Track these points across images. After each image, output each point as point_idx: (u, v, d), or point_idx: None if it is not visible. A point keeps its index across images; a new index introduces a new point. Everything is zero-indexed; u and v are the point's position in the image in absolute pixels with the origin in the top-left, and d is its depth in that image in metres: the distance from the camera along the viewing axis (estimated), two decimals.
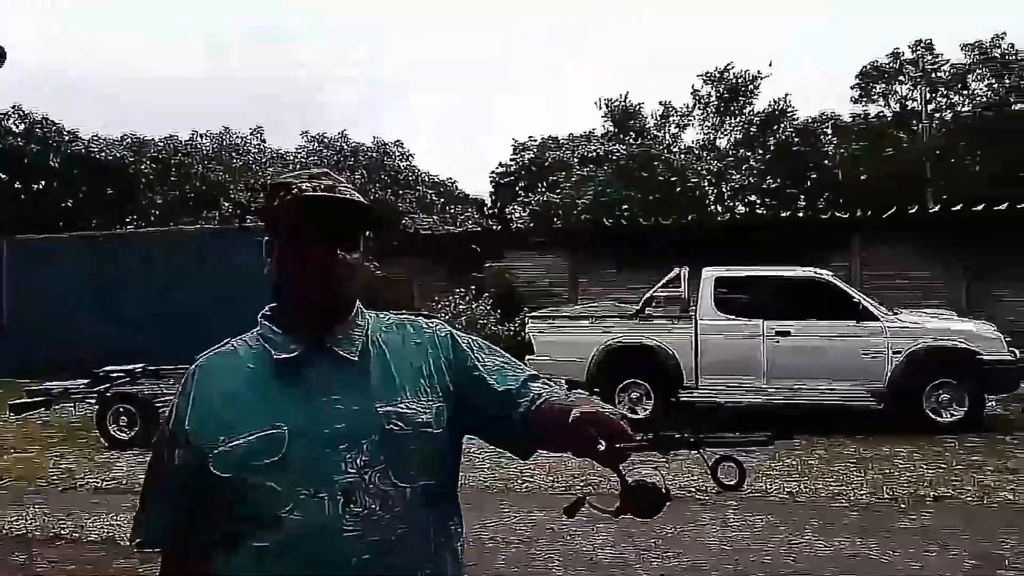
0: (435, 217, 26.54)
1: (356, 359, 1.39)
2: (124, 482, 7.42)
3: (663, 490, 1.22)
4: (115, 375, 9.95)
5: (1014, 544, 5.09)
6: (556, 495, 6.55)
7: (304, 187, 1.39)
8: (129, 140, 27.26)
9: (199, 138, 30.16)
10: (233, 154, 30.14)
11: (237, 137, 31.20)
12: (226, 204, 25.61)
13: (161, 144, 27.73)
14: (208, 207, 25.38)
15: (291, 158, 29.75)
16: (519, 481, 7.05)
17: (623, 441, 1.24)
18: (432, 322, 1.54)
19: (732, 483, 6.48)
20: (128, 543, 1.53)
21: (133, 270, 15.06)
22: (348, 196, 1.41)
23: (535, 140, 30.63)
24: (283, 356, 1.38)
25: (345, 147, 30.79)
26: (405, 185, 30.24)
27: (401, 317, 1.55)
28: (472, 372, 1.47)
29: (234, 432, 1.33)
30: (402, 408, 1.37)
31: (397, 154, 31.68)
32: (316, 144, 31.24)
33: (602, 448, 1.22)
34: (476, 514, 5.86)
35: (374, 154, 30.75)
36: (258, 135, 31.67)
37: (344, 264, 1.38)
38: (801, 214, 18.12)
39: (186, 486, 1.36)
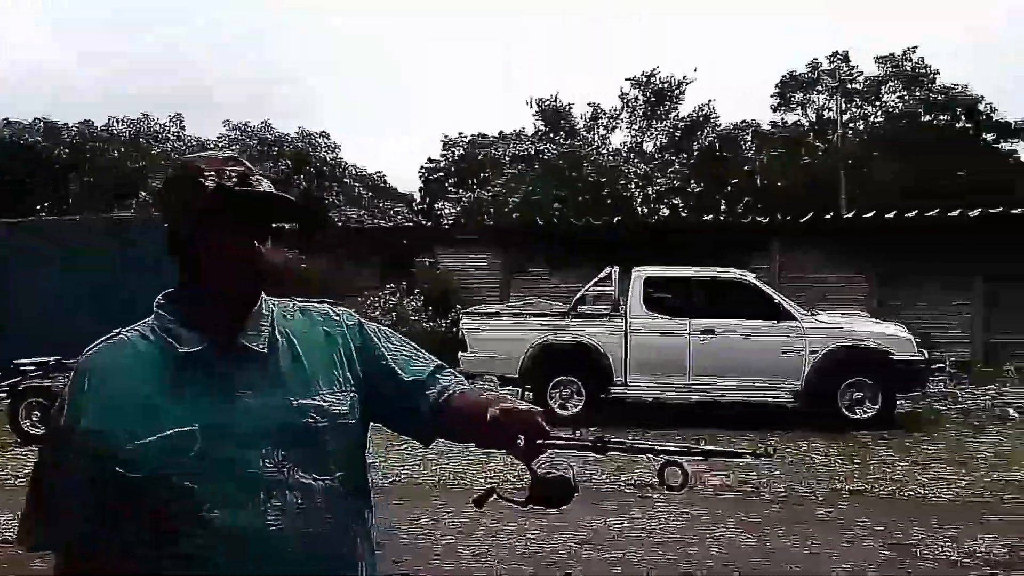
0: (363, 211, 26.22)
1: (265, 351, 1.34)
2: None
3: (572, 482, 1.29)
4: (26, 368, 9.51)
5: (924, 535, 5.38)
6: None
7: (227, 176, 1.31)
8: (41, 125, 26.00)
9: (116, 124, 29.00)
10: (151, 141, 29.08)
11: (156, 124, 30.12)
12: (143, 193, 24.69)
13: (76, 130, 26.55)
14: (126, 195, 24.43)
15: (212, 147, 28.89)
16: (452, 477, 7.06)
17: (539, 437, 1.29)
18: (338, 310, 1.50)
19: (676, 485, 6.63)
20: (16, 542, 1.41)
21: (44, 258, 14.37)
22: (271, 190, 1.36)
23: (465, 137, 30.60)
24: (190, 350, 1.30)
25: (269, 137, 30.08)
26: (331, 178, 29.75)
27: (306, 304, 1.49)
28: (381, 361, 1.46)
29: (141, 432, 1.25)
30: (318, 400, 1.35)
31: (323, 145, 31.12)
32: (238, 133, 30.41)
33: (521, 444, 1.28)
34: (407, 509, 5.86)
35: (299, 145, 30.14)
36: (178, 122, 30.66)
37: (264, 257, 1.32)
38: (723, 218, 18.67)
39: (92, 486, 1.28)
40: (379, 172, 32.73)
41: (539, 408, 1.35)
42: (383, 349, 1.47)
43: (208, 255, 1.30)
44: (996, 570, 4.76)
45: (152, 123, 30.11)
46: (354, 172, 31.34)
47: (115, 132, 28.44)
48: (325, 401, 1.35)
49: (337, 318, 1.47)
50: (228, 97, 48.77)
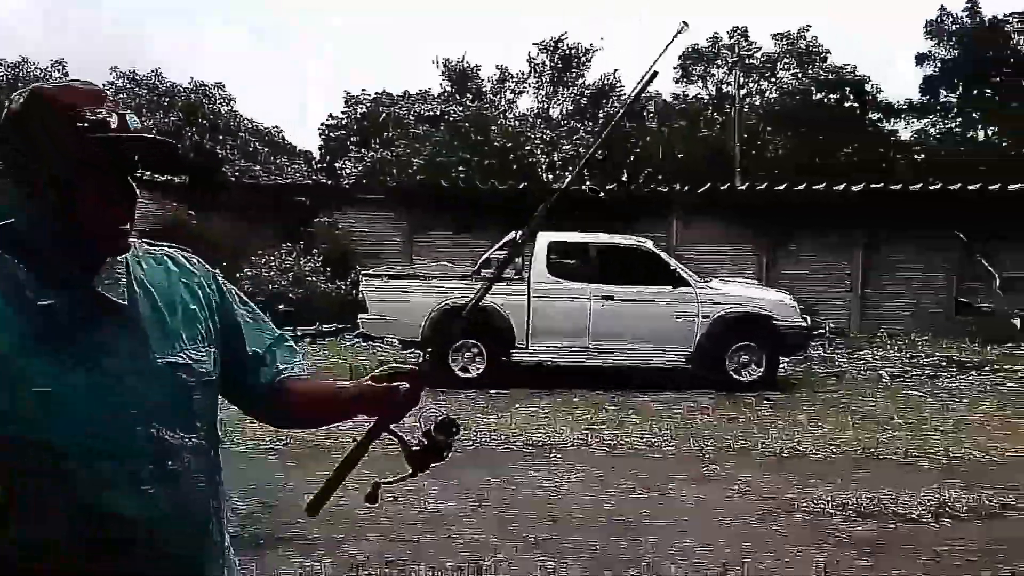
0: (259, 167, 25.32)
1: (125, 302, 1.25)
2: None
3: (445, 447, 1.37)
4: None
5: (802, 489, 5.72)
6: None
7: (103, 116, 1.19)
8: None
9: None
10: None
11: (36, 69, 28.08)
12: None
13: None
14: None
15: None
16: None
17: (399, 415, 1.37)
18: (194, 259, 1.42)
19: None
20: None
21: None
22: (148, 133, 1.27)
23: (368, 95, 29.90)
24: (46, 302, 1.19)
25: (160, 86, 28.56)
26: (225, 131, 28.55)
27: (160, 250, 1.39)
28: (234, 318, 1.43)
29: None
30: (183, 358, 1.29)
31: (217, 97, 29.77)
32: (126, 81, 28.73)
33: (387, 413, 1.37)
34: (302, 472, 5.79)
35: (192, 96, 28.74)
36: (60, 68, 28.67)
37: (135, 204, 1.25)
38: (626, 187, 19.00)
39: None
40: (276, 127, 31.62)
41: (401, 383, 1.38)
42: (237, 311, 1.44)
43: (75, 198, 1.19)
44: (864, 520, 5.11)
45: (32, 68, 28.08)
46: (250, 126, 30.15)
47: None
48: (191, 359, 1.30)
49: (193, 268, 1.39)
50: (115, 44, 45.89)
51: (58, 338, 1.19)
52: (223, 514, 1.39)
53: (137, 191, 1.25)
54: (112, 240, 1.24)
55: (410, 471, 1.38)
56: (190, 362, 1.29)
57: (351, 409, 1.43)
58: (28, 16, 43.02)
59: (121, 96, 26.86)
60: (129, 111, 1.26)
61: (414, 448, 1.36)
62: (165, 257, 1.38)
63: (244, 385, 1.44)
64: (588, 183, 15.64)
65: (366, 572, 4.17)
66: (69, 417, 1.17)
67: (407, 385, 1.37)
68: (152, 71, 28.83)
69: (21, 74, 27.56)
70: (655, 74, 1.54)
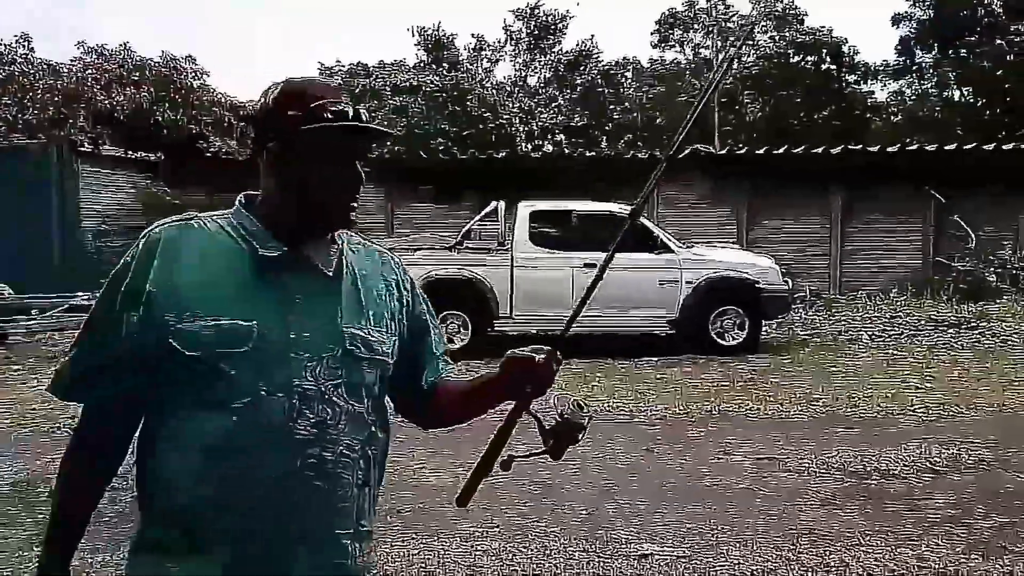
0: (234, 142, 24.97)
1: (331, 275, 1.42)
2: None
3: (579, 429, 1.46)
4: None
5: (787, 450, 5.80)
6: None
7: (343, 110, 1.39)
8: None
9: None
10: None
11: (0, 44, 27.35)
12: None
13: None
14: None
15: (65, 70, 26.59)
16: None
17: (546, 387, 1.49)
18: (401, 263, 1.59)
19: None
20: (49, 390, 1.45)
21: None
22: (383, 127, 1.47)
23: (343, 65, 29.51)
24: (268, 255, 1.38)
25: (129, 61, 27.96)
26: (199, 106, 28.07)
27: (372, 245, 1.58)
28: (421, 319, 1.58)
29: (204, 312, 1.33)
30: (365, 333, 1.43)
31: (189, 71, 29.20)
32: (94, 56, 28.10)
33: (530, 392, 1.47)
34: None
35: (163, 70, 28.18)
36: (25, 43, 27.97)
37: (362, 186, 1.44)
38: (605, 153, 18.96)
39: (142, 350, 1.34)
40: (251, 101, 31.12)
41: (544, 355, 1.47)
42: (425, 312, 1.59)
43: (315, 178, 1.38)
44: (848, 478, 5.20)
45: None
46: (224, 101, 29.67)
47: None
48: (372, 336, 1.43)
49: (394, 268, 1.56)
50: (80, 19, 44.84)
51: (266, 284, 1.37)
52: (370, 497, 1.46)
53: (363, 175, 1.44)
54: (341, 216, 1.43)
55: (545, 450, 1.48)
56: (369, 338, 1.43)
57: (496, 395, 1.54)
58: None
59: (90, 72, 26.34)
60: (362, 105, 1.48)
61: (548, 429, 1.45)
62: (376, 252, 1.56)
63: (415, 385, 1.57)
64: (567, 150, 15.58)
65: None
66: (252, 346, 1.33)
67: (545, 356, 1.46)
68: (121, 44, 28.16)
69: None
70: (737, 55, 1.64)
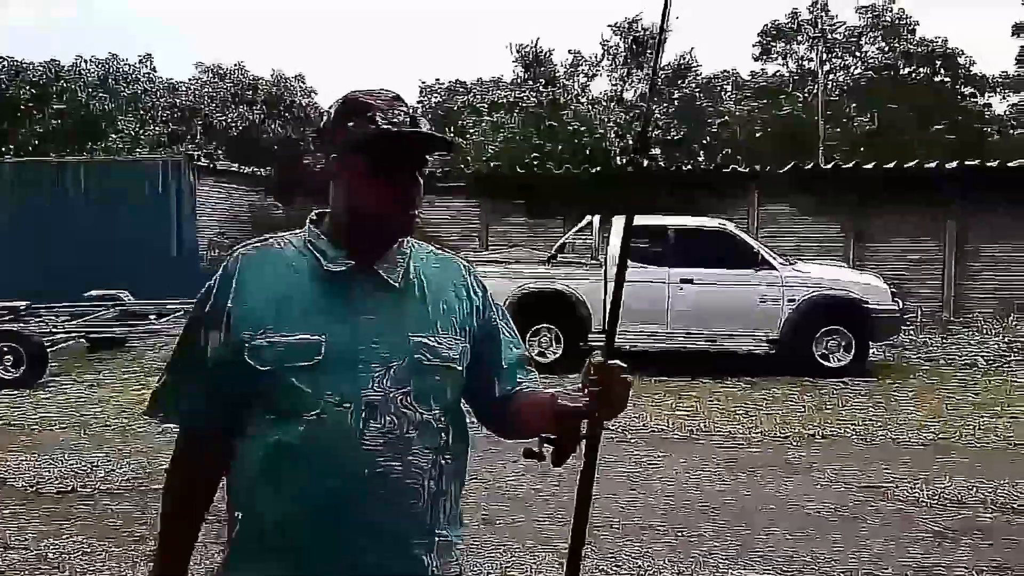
0: None
1: (399, 285, 1.45)
2: (10, 422, 7.07)
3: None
4: None
5: (894, 478, 5.52)
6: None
7: (396, 118, 1.40)
8: (5, 64, 25.15)
9: (84, 64, 28.13)
10: (121, 83, 28.29)
11: (125, 65, 29.27)
12: (113, 136, 24.11)
13: (41, 69, 25.71)
14: (92, 138, 23.83)
15: (184, 89, 28.15)
16: None
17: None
18: (473, 270, 1.59)
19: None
20: (145, 415, 1.58)
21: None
22: (434, 131, 1.45)
23: (443, 83, 30.14)
24: (335, 269, 1.42)
25: (243, 80, 29.35)
26: (308, 123, 29.17)
27: (443, 253, 1.59)
28: (491, 330, 1.56)
29: (275, 328, 1.38)
30: (432, 341, 1.43)
31: (298, 89, 30.43)
32: (211, 75, 29.63)
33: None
34: None
35: (273, 88, 29.46)
36: (148, 63, 29.81)
37: (419, 193, 1.44)
38: (703, 167, 18.62)
39: (220, 371, 1.40)
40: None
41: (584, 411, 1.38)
42: (497, 318, 1.58)
43: (372, 189, 1.40)
44: (961, 510, 4.91)
45: (121, 63, 29.26)
46: None
47: (82, 73, 27.61)
48: (439, 343, 1.44)
49: (465, 274, 1.56)
50: (199, 39, 47.42)
51: (334, 298, 1.41)
52: (447, 507, 1.45)
53: (422, 183, 1.44)
54: (402, 224, 1.45)
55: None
56: (436, 345, 1.43)
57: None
58: (119, 17, 44.88)
59: (206, 90, 27.79)
60: (419, 112, 1.46)
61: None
62: (445, 259, 1.57)
63: (489, 393, 1.56)
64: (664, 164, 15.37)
65: None
66: (321, 359, 1.36)
67: (622, 364, 1.40)
68: (235, 64, 29.62)
69: (111, 69, 28.78)
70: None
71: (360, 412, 1.35)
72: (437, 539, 1.43)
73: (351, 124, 1.40)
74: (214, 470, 1.47)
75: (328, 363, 1.36)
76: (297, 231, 1.50)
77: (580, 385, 1.40)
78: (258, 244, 1.49)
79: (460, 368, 1.47)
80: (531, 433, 1.50)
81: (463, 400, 1.54)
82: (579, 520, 1.46)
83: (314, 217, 1.50)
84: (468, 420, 1.54)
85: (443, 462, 1.43)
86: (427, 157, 1.46)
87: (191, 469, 1.49)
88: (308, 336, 1.37)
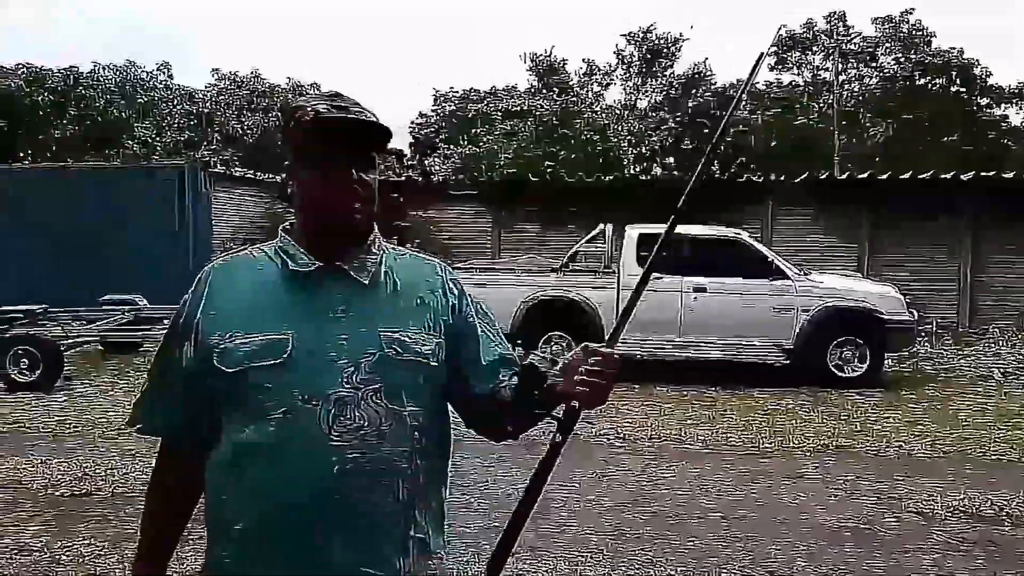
0: None
1: (367, 283, 1.45)
2: (26, 425, 7.13)
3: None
4: (14, 315, 9.47)
5: (909, 489, 5.48)
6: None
7: (320, 109, 1.41)
8: (24, 71, 25.45)
9: (102, 71, 28.43)
10: (138, 90, 28.58)
11: (143, 72, 29.56)
12: (130, 142, 24.35)
13: (60, 76, 26.01)
14: (109, 144, 24.07)
15: (200, 96, 28.43)
16: None
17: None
18: (447, 269, 1.59)
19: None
20: (126, 428, 1.63)
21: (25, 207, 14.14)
22: (362, 117, 1.43)
23: (456, 91, 30.22)
24: (299, 269, 1.44)
25: (259, 87, 29.59)
26: None
27: (420, 255, 1.60)
28: (466, 327, 1.53)
29: (242, 331, 1.39)
30: (402, 336, 1.43)
31: None
32: (227, 83, 29.90)
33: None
34: None
35: (289, 95, 29.68)
36: (165, 71, 30.10)
37: (362, 184, 1.42)
38: (717, 176, 18.57)
39: (193, 379, 1.43)
40: None
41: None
42: (474, 316, 1.56)
43: (312, 184, 1.42)
44: (976, 523, 4.86)
45: (139, 71, 29.56)
46: None
47: (100, 79, 27.91)
48: (410, 338, 1.43)
49: (439, 273, 1.56)
50: (215, 46, 47.83)
51: (302, 297, 1.42)
52: (424, 508, 1.43)
53: (370, 181, 1.43)
54: (345, 218, 1.42)
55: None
56: (407, 340, 1.42)
57: (556, 398, 1.44)
58: (132, 24, 45.36)
59: (222, 97, 28.03)
60: (356, 104, 1.44)
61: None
62: (422, 260, 1.58)
63: (469, 393, 1.53)
64: (675, 173, 15.35)
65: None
66: (289, 357, 1.36)
67: (605, 354, 1.40)
68: (251, 72, 29.87)
69: (129, 77, 29.10)
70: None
71: (329, 409, 1.35)
72: (411, 541, 1.40)
73: (289, 127, 1.45)
74: (193, 477, 1.47)
75: (295, 361, 1.36)
76: (270, 242, 1.52)
77: (564, 365, 1.42)
78: (228, 256, 1.54)
79: (435, 364, 1.45)
80: (528, 426, 1.49)
81: (449, 405, 1.53)
82: (525, 506, 1.44)
83: (287, 227, 1.51)
84: (451, 420, 1.52)
85: (419, 461, 1.40)
86: (373, 152, 1.45)
87: (170, 477, 1.53)
88: (274, 335, 1.38)
